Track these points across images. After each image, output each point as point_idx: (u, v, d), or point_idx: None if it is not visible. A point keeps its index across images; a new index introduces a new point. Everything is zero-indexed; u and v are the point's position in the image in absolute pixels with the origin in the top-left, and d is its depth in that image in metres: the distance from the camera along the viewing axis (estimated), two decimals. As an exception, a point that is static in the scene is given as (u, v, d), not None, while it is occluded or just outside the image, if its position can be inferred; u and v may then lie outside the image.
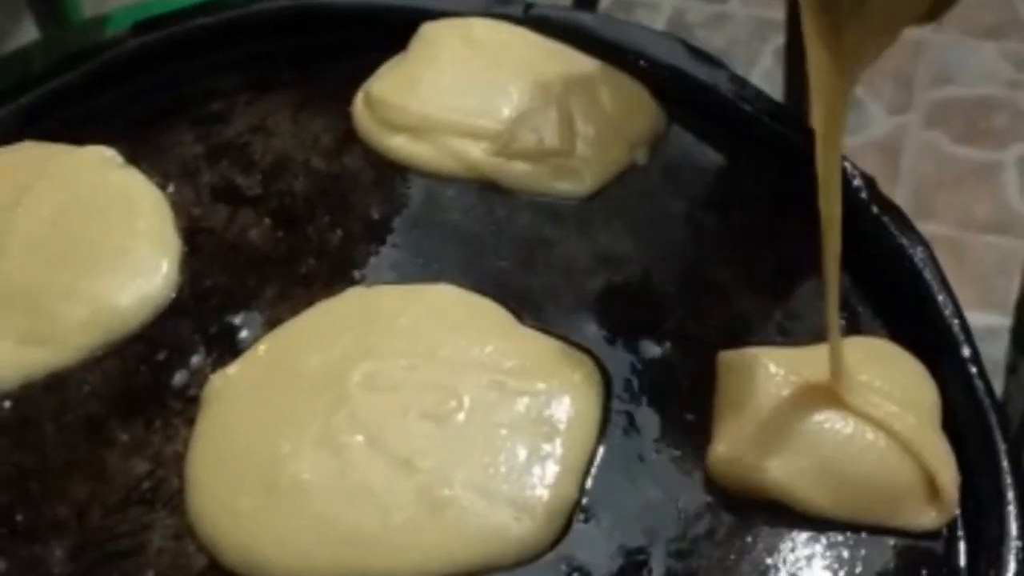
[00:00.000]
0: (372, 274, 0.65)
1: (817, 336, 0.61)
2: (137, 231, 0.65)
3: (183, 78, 0.74)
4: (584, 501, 0.56)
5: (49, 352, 0.61)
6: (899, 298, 0.63)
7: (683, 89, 0.72)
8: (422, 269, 0.65)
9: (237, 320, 0.62)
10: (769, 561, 0.54)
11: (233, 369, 0.60)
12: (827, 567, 0.54)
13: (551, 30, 0.74)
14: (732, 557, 0.54)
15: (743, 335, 0.62)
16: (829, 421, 0.55)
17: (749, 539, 0.55)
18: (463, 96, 0.70)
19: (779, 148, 0.69)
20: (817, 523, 0.55)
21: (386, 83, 0.71)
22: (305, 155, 0.71)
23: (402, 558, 0.53)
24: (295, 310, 0.62)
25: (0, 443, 0.58)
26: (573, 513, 0.55)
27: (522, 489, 0.55)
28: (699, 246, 0.67)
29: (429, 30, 0.73)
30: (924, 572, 0.54)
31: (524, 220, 0.67)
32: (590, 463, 0.57)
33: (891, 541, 0.55)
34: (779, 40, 1.32)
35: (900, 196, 1.54)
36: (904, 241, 0.64)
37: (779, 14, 1.42)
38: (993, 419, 0.57)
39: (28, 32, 0.89)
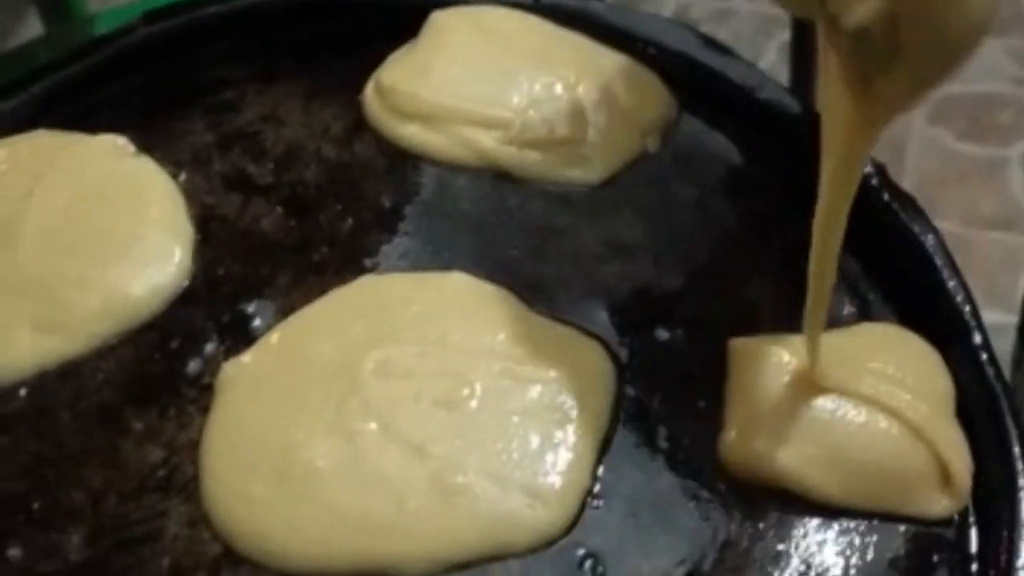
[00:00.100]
0: (384, 262, 0.65)
1: (832, 322, 0.62)
2: (150, 219, 0.66)
3: (194, 67, 0.75)
4: (596, 488, 0.56)
5: (63, 341, 0.61)
6: (910, 285, 0.63)
7: (694, 77, 0.72)
8: (434, 257, 0.65)
9: (250, 308, 0.63)
10: (780, 547, 0.54)
11: (246, 357, 0.60)
12: (838, 553, 0.54)
13: (562, 18, 0.74)
14: (744, 544, 0.55)
15: (754, 322, 0.62)
16: (841, 409, 0.55)
17: (761, 525, 0.55)
18: (474, 84, 0.70)
19: (790, 136, 0.69)
20: (828, 510, 0.55)
21: (397, 71, 0.71)
22: (316, 144, 0.71)
23: (415, 545, 0.53)
24: (308, 298, 0.62)
25: (16, 431, 0.58)
26: (585, 500, 0.55)
27: (535, 476, 0.55)
28: (710, 233, 0.67)
29: (439, 18, 0.73)
30: (935, 558, 0.55)
31: (535, 208, 0.67)
32: (602, 450, 0.57)
33: (902, 527, 0.55)
34: (784, 36, 1.32)
35: (904, 193, 1.53)
36: (915, 228, 0.64)
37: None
38: (1005, 406, 0.57)
39: (32, 28, 0.89)
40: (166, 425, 0.58)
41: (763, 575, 0.54)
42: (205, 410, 0.58)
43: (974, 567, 0.54)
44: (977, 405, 0.58)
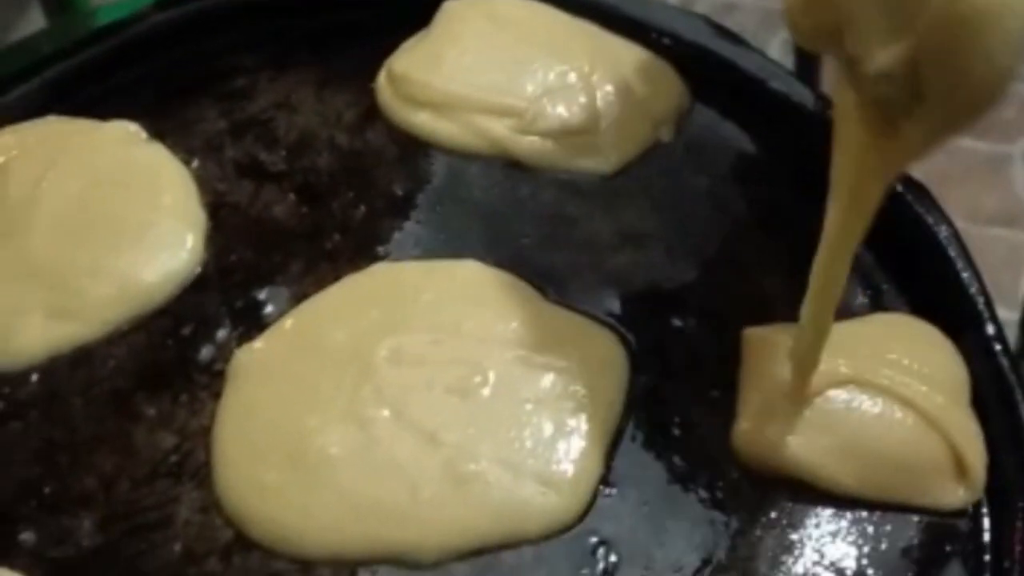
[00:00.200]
0: (396, 250, 0.65)
1: (842, 313, 0.61)
2: (162, 206, 0.66)
3: (207, 54, 0.75)
4: (609, 476, 0.56)
5: (75, 327, 0.61)
6: (923, 275, 0.63)
7: (707, 66, 0.72)
8: (446, 245, 0.65)
9: (262, 295, 0.63)
10: (793, 537, 0.54)
11: (259, 343, 0.60)
12: (851, 543, 0.54)
13: (574, 7, 0.74)
14: (756, 533, 0.54)
15: (767, 312, 0.61)
16: (856, 399, 0.55)
17: (773, 514, 0.55)
18: (487, 73, 0.70)
19: (802, 125, 0.69)
20: (841, 500, 0.55)
21: (409, 60, 0.71)
22: (329, 131, 0.71)
23: (429, 532, 0.53)
24: (320, 285, 0.62)
25: (28, 416, 0.58)
26: (598, 487, 0.55)
27: (548, 463, 0.55)
28: (723, 223, 0.67)
29: (452, 7, 0.73)
30: (948, 548, 0.54)
31: (547, 197, 0.67)
32: (615, 438, 0.57)
33: (915, 517, 0.55)
34: (787, 31, 1.31)
35: (908, 188, 1.53)
36: (929, 219, 0.64)
37: (787, 4, 1.41)
38: (1018, 396, 0.57)
39: (34, 23, 0.88)
40: (178, 411, 0.58)
41: (775, 564, 0.54)
42: (217, 396, 0.58)
43: (987, 557, 0.54)
44: (990, 395, 0.58)
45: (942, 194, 0.65)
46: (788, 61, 1.32)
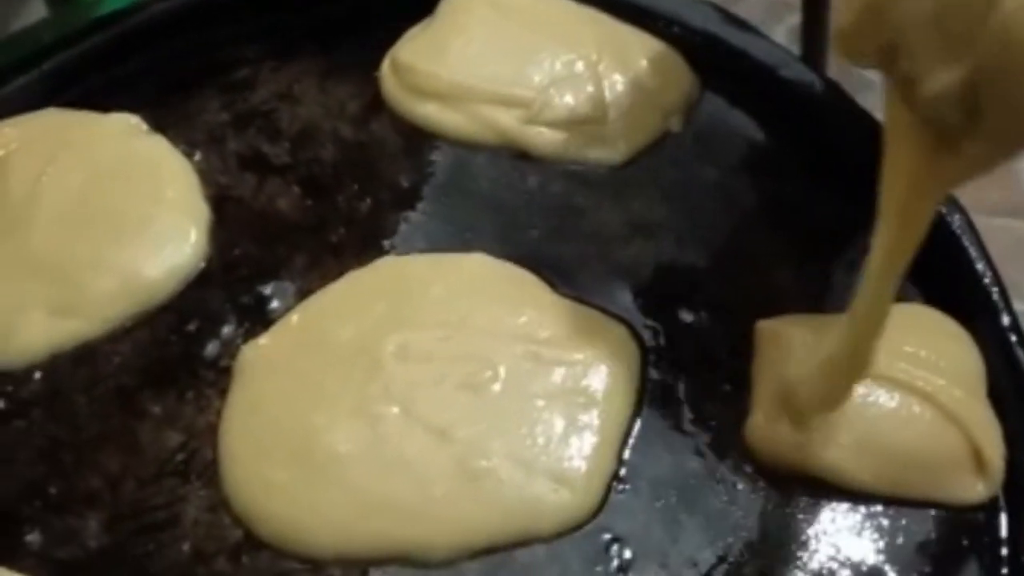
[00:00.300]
0: (403, 243, 0.64)
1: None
2: (165, 200, 0.65)
3: (208, 45, 0.73)
4: (622, 472, 0.55)
5: (78, 323, 0.60)
6: (937, 265, 0.62)
7: (716, 55, 0.71)
8: (453, 238, 0.64)
9: (268, 290, 0.62)
10: (809, 532, 0.54)
11: (265, 339, 0.59)
12: (867, 538, 0.54)
13: (581, -6, 0.73)
14: (772, 528, 0.54)
15: (779, 304, 0.61)
16: (873, 393, 0.54)
17: (788, 510, 0.54)
18: (493, 63, 0.69)
19: (813, 114, 0.68)
20: (857, 494, 0.54)
21: (414, 49, 0.70)
22: (332, 123, 0.70)
23: (440, 530, 0.52)
24: (326, 279, 0.62)
25: (31, 415, 0.58)
26: (611, 484, 0.55)
27: (560, 460, 0.54)
28: (733, 214, 0.66)
29: (456, -5, 0.72)
30: (965, 542, 0.54)
31: (556, 188, 0.66)
32: (627, 434, 0.56)
33: (932, 512, 0.54)
34: (793, 20, 1.30)
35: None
36: (942, 208, 0.63)
37: (793, -7, 1.41)
38: (1035, 387, 0.56)
39: (36, 11, 0.87)
40: (184, 409, 0.57)
41: (791, 560, 0.53)
42: (223, 393, 0.58)
43: (1004, 551, 0.54)
44: (1006, 386, 0.57)
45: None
46: (794, 50, 1.31)
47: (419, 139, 0.68)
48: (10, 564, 0.52)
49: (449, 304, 0.60)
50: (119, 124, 0.68)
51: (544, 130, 0.67)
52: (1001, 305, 0.60)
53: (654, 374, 0.58)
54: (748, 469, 0.55)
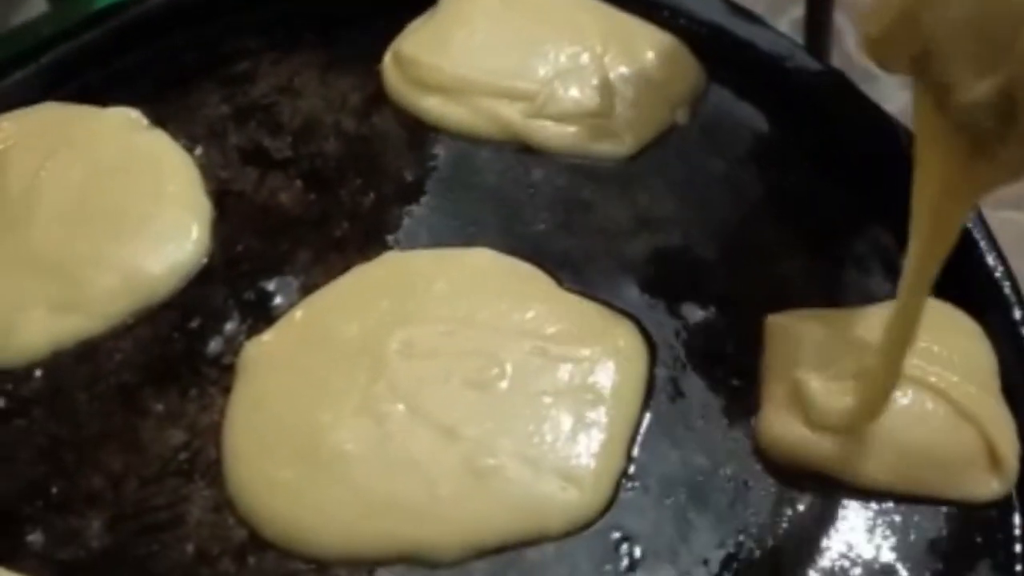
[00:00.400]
0: (407, 238, 0.63)
1: (865, 297, 0.60)
2: (166, 195, 0.64)
3: (208, 37, 0.73)
4: (631, 469, 0.54)
5: (79, 320, 0.59)
6: (948, 259, 0.61)
7: (722, 46, 0.70)
8: (458, 232, 0.63)
9: (271, 286, 0.61)
10: (820, 529, 0.53)
11: (268, 336, 0.58)
12: (879, 535, 0.53)
13: (585, -15, 0.72)
14: (783, 525, 0.53)
15: (788, 298, 0.60)
16: (885, 390, 0.53)
17: (799, 507, 0.54)
18: (497, 55, 0.68)
19: (820, 105, 0.68)
20: (869, 491, 0.54)
21: (417, 41, 0.70)
22: (334, 116, 0.69)
23: (448, 529, 0.52)
24: (330, 275, 0.61)
25: (32, 413, 0.57)
26: (620, 482, 0.54)
27: (568, 458, 0.53)
28: (741, 207, 0.65)
29: (459, -14, 0.71)
30: (978, 539, 0.53)
31: (561, 182, 0.65)
32: (636, 430, 0.56)
33: (944, 508, 0.54)
34: (796, 12, 1.30)
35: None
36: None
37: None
38: (1049, 382, 0.56)
39: (36, 6, 0.87)
40: (187, 407, 0.57)
41: (803, 557, 0.52)
42: (226, 391, 0.57)
43: (1018, 548, 0.53)
44: (1017, 381, 0.57)
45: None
46: (798, 40, 1.31)
47: (422, 132, 0.68)
48: (11, 565, 0.51)
49: (454, 300, 0.59)
50: (119, 118, 0.67)
51: (549, 123, 0.66)
52: (1013, 299, 0.59)
53: (662, 370, 0.58)
54: (758, 466, 0.55)
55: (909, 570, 0.52)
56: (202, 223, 0.63)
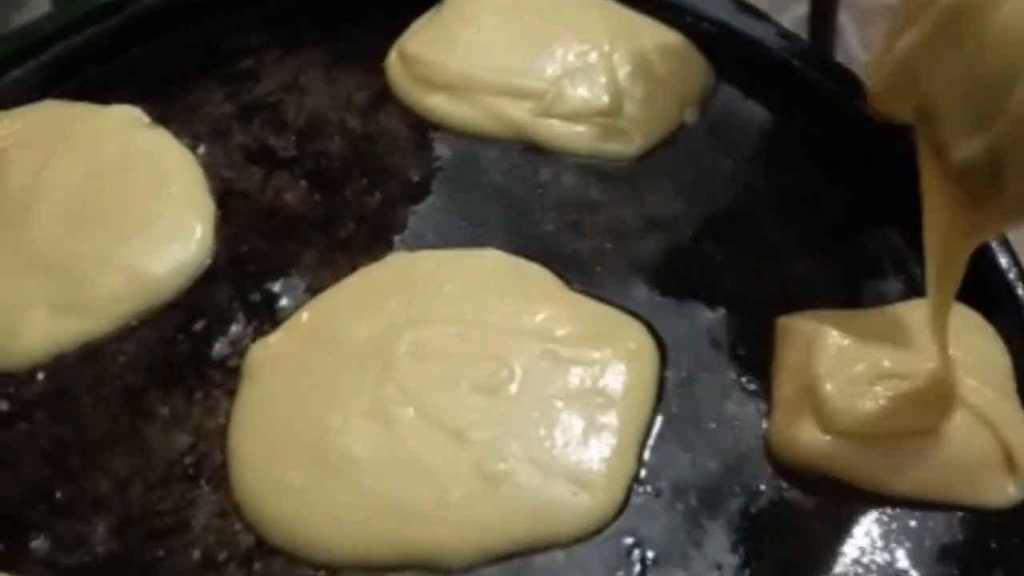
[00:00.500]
0: (414, 238, 0.63)
1: (877, 298, 0.60)
2: (169, 195, 0.63)
3: (211, 34, 0.72)
4: (642, 473, 0.54)
5: (82, 321, 0.59)
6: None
7: (730, 44, 0.70)
8: (465, 233, 0.63)
9: (277, 287, 0.60)
10: (833, 535, 0.53)
11: (275, 338, 0.58)
12: (893, 540, 0.52)
13: (592, -18, 0.72)
14: (795, 531, 0.53)
15: (799, 298, 0.60)
16: (899, 393, 0.53)
17: (812, 511, 0.53)
18: (504, 53, 0.67)
19: (829, 105, 0.67)
20: (883, 496, 0.53)
21: (422, 40, 0.69)
22: (339, 114, 0.68)
23: (458, 534, 0.51)
24: (336, 276, 0.60)
25: (35, 417, 0.56)
26: (631, 486, 0.53)
27: (579, 462, 0.53)
28: (750, 207, 0.65)
29: (465, -17, 0.71)
30: (993, 545, 0.53)
31: (569, 181, 0.65)
32: (647, 434, 0.55)
33: (959, 513, 0.53)
34: (799, 10, 1.30)
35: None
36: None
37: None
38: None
39: (38, 6, 0.86)
40: (192, 410, 0.56)
41: (816, 564, 0.52)
42: (232, 394, 0.56)
43: (1033, 554, 0.53)
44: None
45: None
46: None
47: (428, 131, 0.67)
48: (16, 571, 0.51)
49: (463, 301, 0.58)
50: (120, 116, 0.66)
51: (557, 123, 0.65)
52: (1024, 297, 0.58)
53: (673, 372, 0.57)
54: (770, 469, 0.54)
55: (923, 576, 0.52)
56: (206, 223, 0.62)
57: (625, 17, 0.70)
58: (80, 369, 0.58)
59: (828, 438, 0.53)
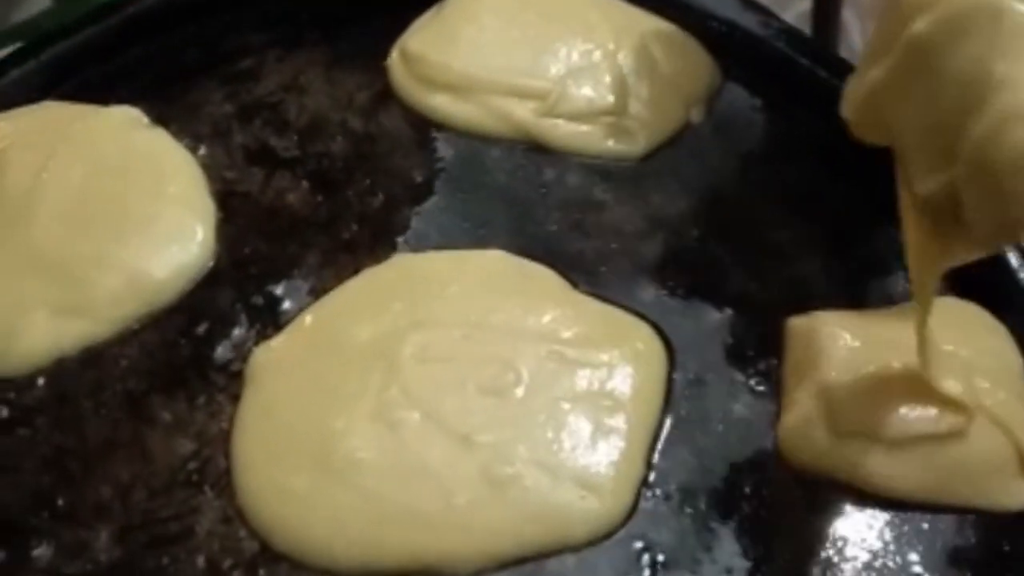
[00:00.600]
0: (417, 239, 0.62)
1: (885, 297, 0.59)
2: (169, 196, 0.62)
3: (211, 34, 0.71)
4: (651, 477, 0.53)
5: (83, 324, 0.58)
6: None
7: (736, 42, 0.69)
8: (469, 233, 0.62)
9: (279, 289, 0.60)
10: (844, 538, 0.52)
11: (278, 341, 0.57)
12: (905, 542, 0.52)
13: (595, -20, 0.71)
14: (807, 534, 0.52)
15: (807, 298, 0.59)
16: (911, 395, 0.52)
17: (823, 514, 0.53)
18: (507, 53, 0.67)
19: (835, 103, 0.66)
20: (894, 499, 0.53)
21: (424, 39, 0.68)
22: (341, 114, 0.68)
23: (465, 539, 0.51)
24: (340, 278, 0.60)
25: (36, 422, 0.55)
26: (640, 489, 0.53)
27: (587, 466, 0.52)
28: (756, 206, 0.64)
29: (466, -19, 0.70)
30: (1007, 548, 0.52)
31: (574, 181, 0.64)
32: (656, 436, 0.54)
33: (971, 516, 0.53)
34: (802, 6, 1.29)
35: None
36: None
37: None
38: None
39: (38, 3, 0.85)
40: (195, 415, 0.55)
41: (827, 567, 0.51)
42: (235, 398, 0.56)
43: (1046, 557, 0.52)
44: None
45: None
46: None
47: (430, 131, 0.67)
48: (18, 579, 0.50)
49: (468, 303, 0.58)
50: (120, 117, 0.66)
51: (561, 122, 0.65)
52: (1034, 295, 0.58)
53: (681, 374, 0.57)
54: (780, 472, 0.54)
55: (935, 579, 0.51)
56: (207, 225, 0.62)
57: (630, 15, 0.69)
58: (81, 373, 0.57)
59: (839, 440, 0.52)
